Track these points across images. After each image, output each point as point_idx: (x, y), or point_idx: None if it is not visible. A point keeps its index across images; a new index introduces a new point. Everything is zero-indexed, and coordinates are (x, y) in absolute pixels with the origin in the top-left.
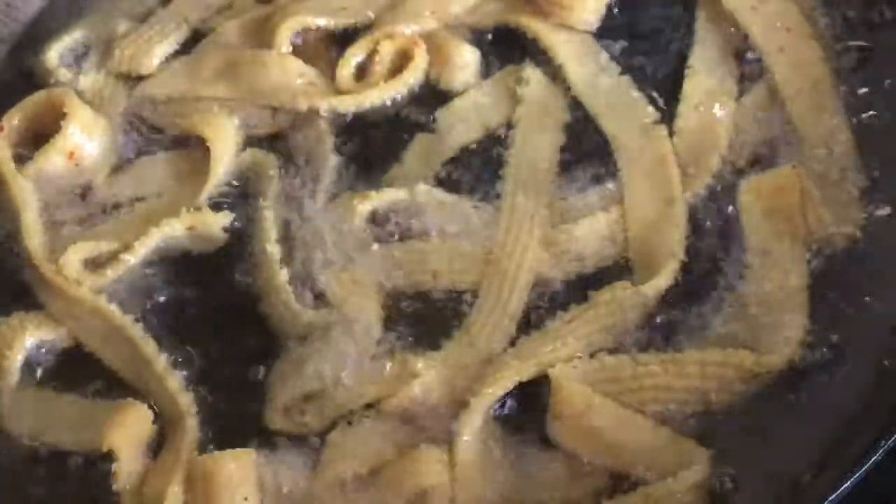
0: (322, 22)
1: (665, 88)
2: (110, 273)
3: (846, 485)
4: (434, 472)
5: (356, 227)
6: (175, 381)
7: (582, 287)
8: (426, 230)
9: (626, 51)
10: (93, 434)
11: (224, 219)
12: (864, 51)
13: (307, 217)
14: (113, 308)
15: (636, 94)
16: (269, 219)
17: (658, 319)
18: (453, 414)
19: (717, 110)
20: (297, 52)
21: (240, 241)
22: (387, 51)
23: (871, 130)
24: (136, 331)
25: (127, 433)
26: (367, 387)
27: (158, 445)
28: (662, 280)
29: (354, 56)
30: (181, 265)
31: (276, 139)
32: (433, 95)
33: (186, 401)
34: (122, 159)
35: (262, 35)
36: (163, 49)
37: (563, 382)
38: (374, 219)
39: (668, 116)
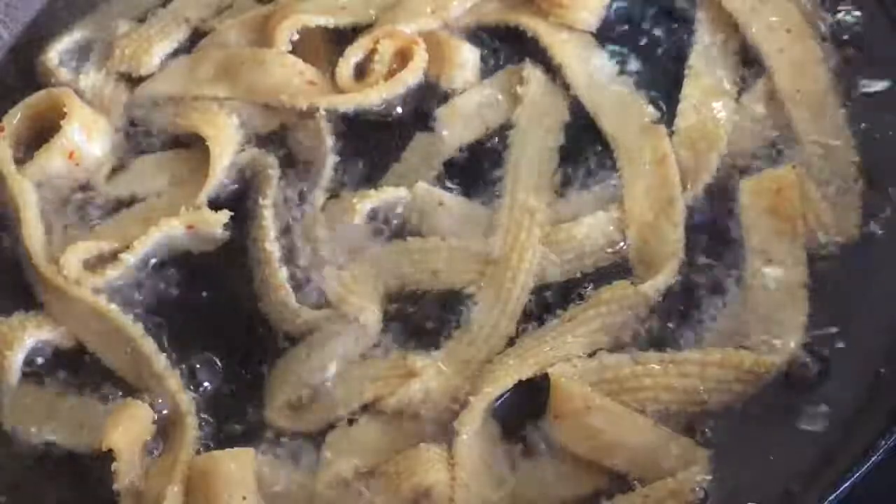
0: (322, 21)
1: (665, 88)
2: (110, 273)
3: (846, 485)
4: (434, 470)
5: (356, 226)
6: (175, 381)
7: (582, 287)
8: (426, 230)
9: (625, 50)
10: (93, 434)
11: (223, 217)
12: (863, 51)
13: (307, 216)
14: (113, 308)
15: (636, 93)
16: (269, 218)
17: (658, 319)
18: (453, 413)
19: (717, 110)
20: (296, 51)
21: (239, 241)
22: (386, 50)
23: (871, 130)
24: (136, 331)
25: (127, 433)
26: (367, 386)
27: (158, 445)
28: (662, 279)
29: (354, 55)
30: (181, 265)
31: (276, 138)
32: (433, 95)
33: (186, 400)
34: (122, 159)
35: (261, 34)
36: (163, 48)
37: (563, 382)
38: (374, 218)
39: (668, 116)
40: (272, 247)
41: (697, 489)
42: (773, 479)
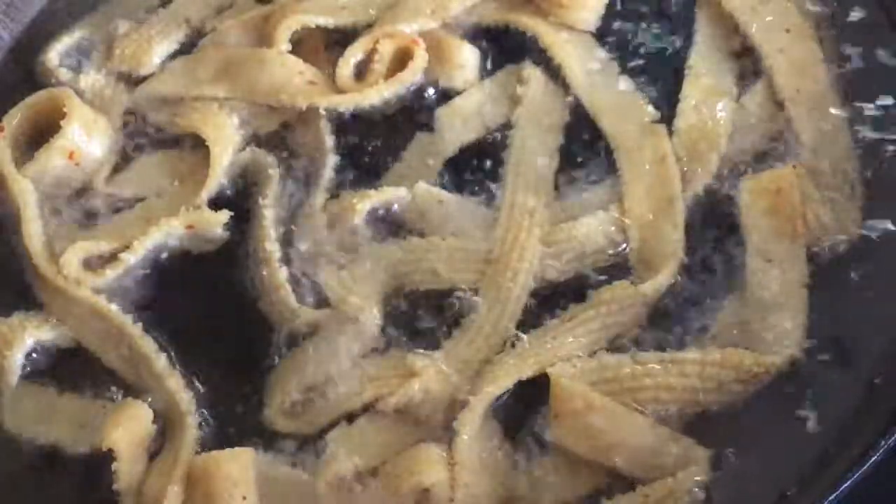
0: (322, 21)
1: (665, 88)
2: (110, 273)
3: (846, 485)
4: (434, 470)
5: (356, 225)
6: (175, 381)
7: (582, 287)
8: (426, 229)
9: (625, 50)
10: (93, 434)
11: (223, 217)
12: (863, 51)
13: (307, 216)
14: (113, 308)
15: (636, 93)
16: (269, 218)
17: (658, 319)
18: (453, 413)
19: (717, 110)
20: (296, 50)
21: (239, 241)
22: (386, 50)
23: (871, 130)
24: (136, 330)
25: (127, 433)
26: (367, 386)
27: (158, 445)
28: (662, 279)
29: (354, 55)
30: (181, 265)
31: (276, 138)
32: (433, 95)
33: (186, 400)
34: (122, 159)
35: (261, 34)
36: (163, 48)
37: (563, 381)
38: (374, 218)
39: (667, 116)
40: (272, 247)
41: (697, 489)
42: (773, 479)
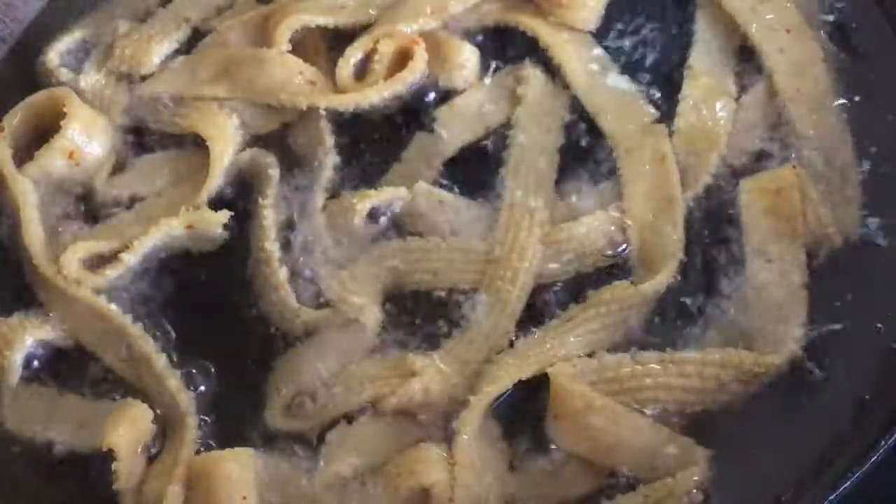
0: (322, 21)
1: (665, 88)
2: (110, 273)
3: (846, 485)
4: (433, 470)
5: (356, 225)
6: (175, 381)
7: (582, 286)
8: (426, 229)
9: (625, 50)
10: (93, 434)
11: (223, 217)
12: (863, 50)
13: (307, 216)
14: (113, 308)
15: (636, 93)
16: (269, 218)
17: (658, 319)
18: (453, 413)
19: (717, 110)
20: (296, 50)
21: (239, 241)
22: (386, 50)
23: (870, 130)
24: (136, 330)
25: (127, 433)
26: (367, 386)
27: (158, 445)
28: (662, 279)
29: (354, 55)
30: (181, 265)
31: (276, 138)
32: (433, 95)
33: (186, 400)
34: (122, 159)
35: (261, 34)
36: (163, 49)
37: (563, 381)
38: (374, 218)
39: (667, 116)
40: (272, 247)
41: (696, 490)
42: (773, 479)
